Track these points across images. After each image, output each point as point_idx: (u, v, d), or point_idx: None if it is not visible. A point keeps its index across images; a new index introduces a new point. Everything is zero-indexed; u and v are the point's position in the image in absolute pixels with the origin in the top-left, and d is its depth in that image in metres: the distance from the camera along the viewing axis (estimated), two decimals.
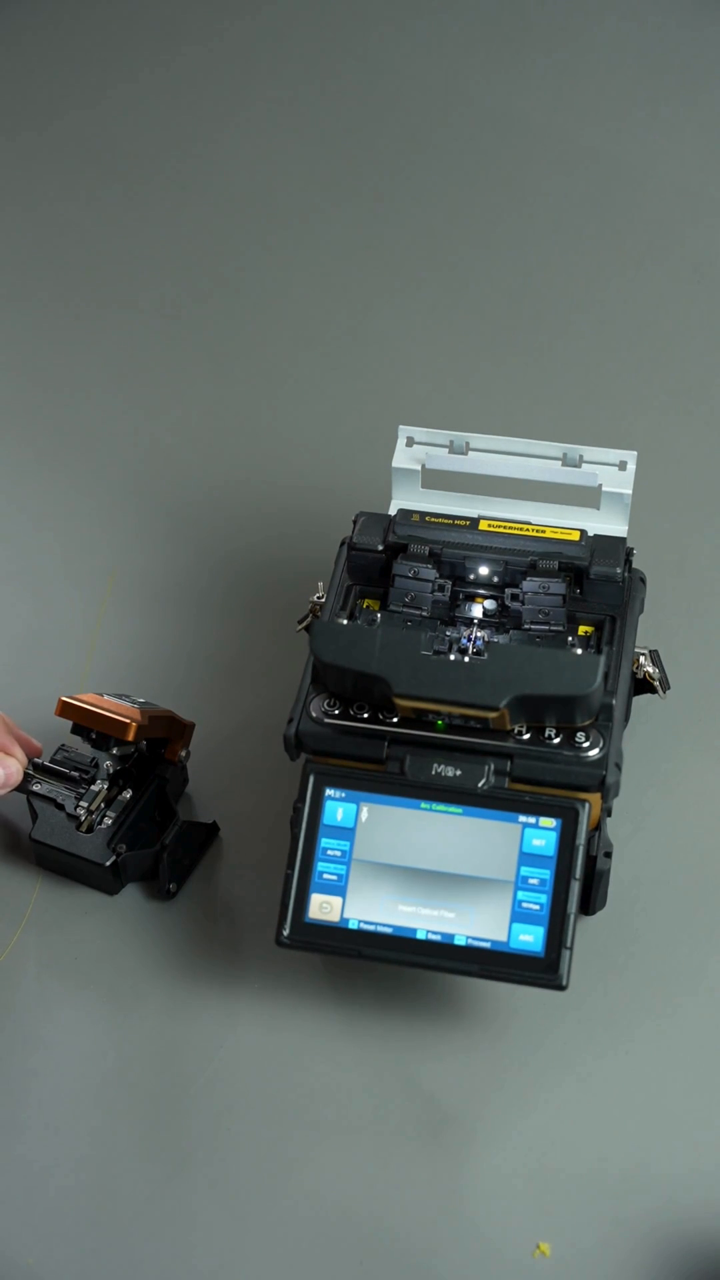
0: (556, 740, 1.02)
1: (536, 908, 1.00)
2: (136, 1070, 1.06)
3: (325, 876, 1.02)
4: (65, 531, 1.33)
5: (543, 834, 1.01)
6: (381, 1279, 0.99)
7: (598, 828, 1.04)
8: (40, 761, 1.13)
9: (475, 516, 1.10)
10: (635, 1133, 1.02)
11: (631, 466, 1.11)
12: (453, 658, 1.01)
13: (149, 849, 1.11)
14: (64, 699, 1.09)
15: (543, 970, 0.99)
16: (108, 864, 1.10)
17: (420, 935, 1.01)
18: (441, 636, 1.03)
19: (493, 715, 1.00)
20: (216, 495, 1.33)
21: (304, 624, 1.13)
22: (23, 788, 1.12)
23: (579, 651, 1.04)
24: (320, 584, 1.12)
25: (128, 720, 1.07)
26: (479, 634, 1.05)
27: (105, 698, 1.11)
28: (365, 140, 1.59)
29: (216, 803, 1.16)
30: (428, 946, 1.01)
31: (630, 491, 1.10)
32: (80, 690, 1.16)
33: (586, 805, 1.01)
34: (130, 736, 1.07)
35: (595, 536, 1.09)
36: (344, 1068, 1.05)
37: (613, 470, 1.11)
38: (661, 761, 1.16)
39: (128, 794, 1.13)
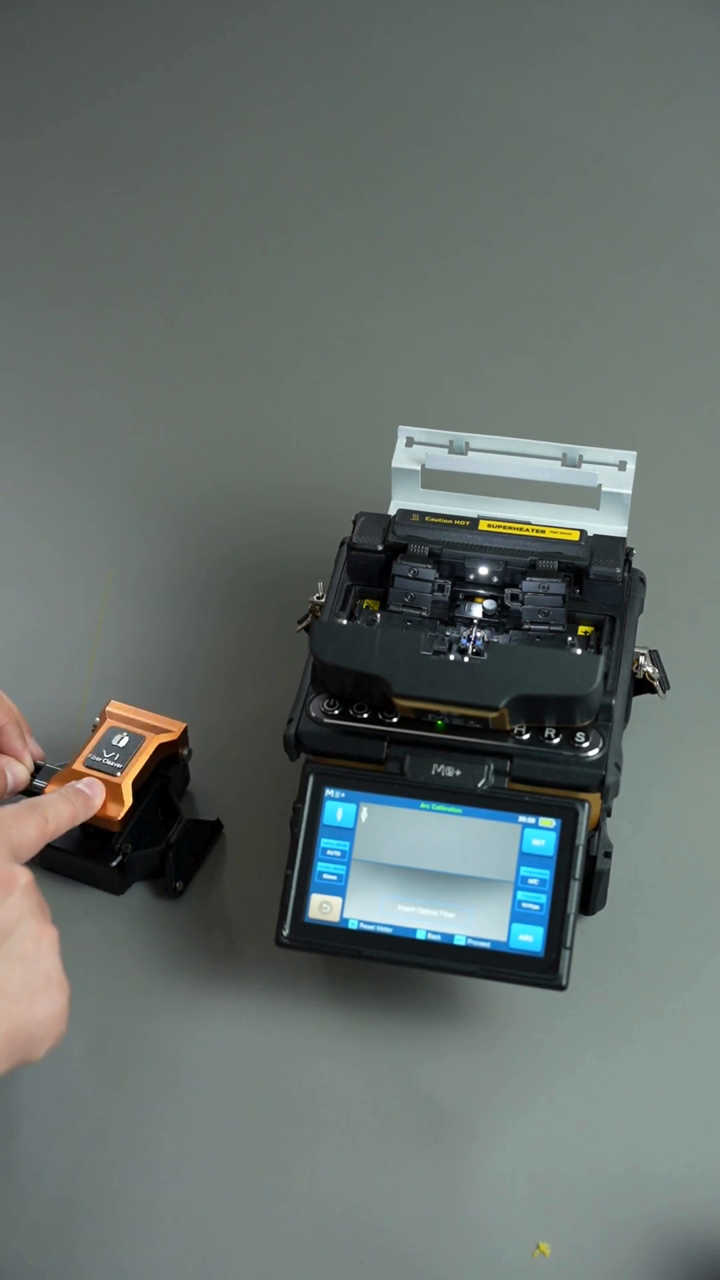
0: (556, 740, 1.02)
1: (536, 908, 1.00)
2: (137, 1069, 1.06)
3: (325, 876, 1.02)
4: (65, 531, 1.33)
5: (542, 834, 1.01)
6: (381, 1279, 0.99)
7: (598, 828, 1.04)
8: (43, 764, 1.13)
9: (475, 516, 1.10)
10: (635, 1133, 1.02)
11: (631, 466, 1.11)
12: (452, 658, 1.01)
13: (154, 848, 1.11)
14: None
15: (542, 970, 0.99)
16: (114, 864, 1.10)
17: (420, 935, 1.01)
18: (441, 636, 1.03)
19: (492, 715, 1.00)
20: (216, 495, 1.33)
21: (304, 624, 1.13)
22: (27, 790, 1.12)
23: (579, 651, 1.04)
24: (320, 584, 1.12)
25: (113, 812, 1.08)
26: (479, 634, 1.05)
27: (86, 767, 1.10)
28: (367, 140, 1.59)
29: (218, 802, 1.16)
30: (427, 946, 1.01)
31: (630, 491, 1.10)
32: (83, 693, 1.16)
33: (586, 805, 1.01)
34: (118, 827, 1.09)
35: (595, 536, 1.09)
36: (344, 1068, 1.05)
37: (612, 470, 1.11)
38: (661, 761, 1.16)
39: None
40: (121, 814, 1.09)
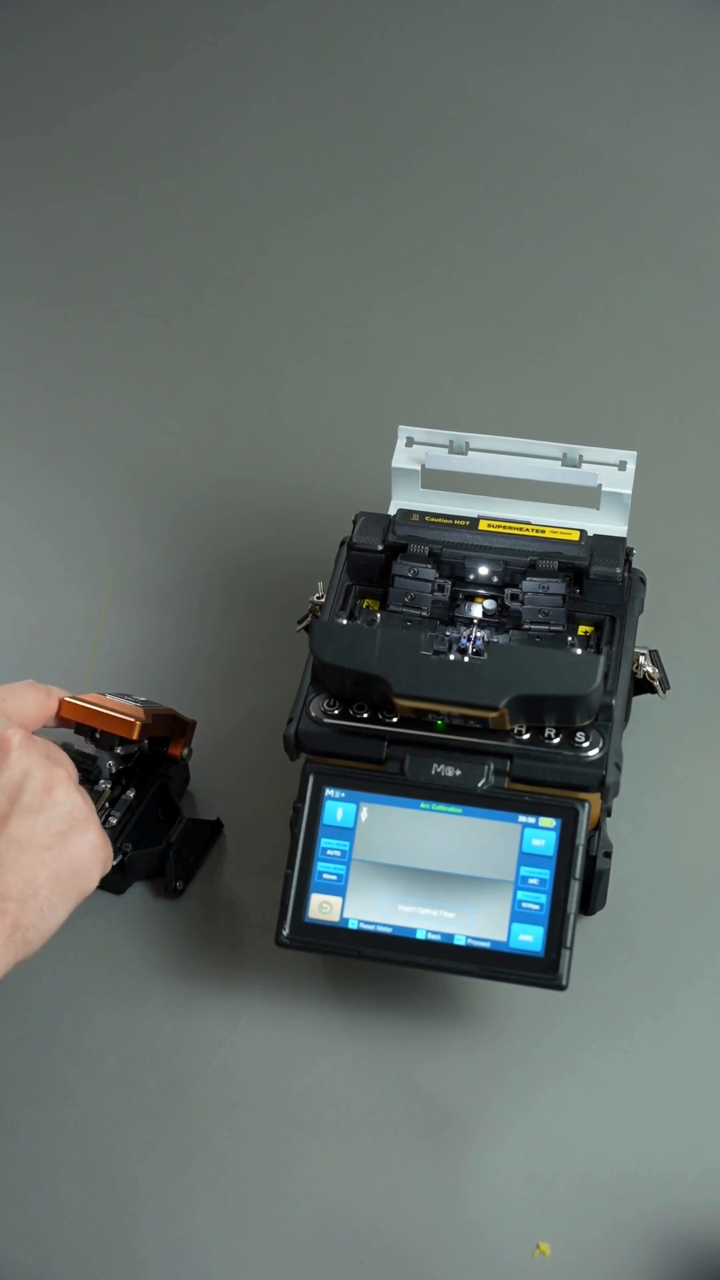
0: (556, 740, 1.02)
1: (536, 908, 1.00)
2: (137, 1069, 1.06)
3: (325, 876, 1.02)
4: (65, 531, 1.33)
5: (542, 834, 1.01)
6: (381, 1279, 0.99)
7: (597, 828, 1.04)
8: None
9: (475, 516, 1.10)
10: (635, 1133, 1.02)
11: (631, 466, 1.11)
12: (452, 658, 1.01)
13: (155, 847, 1.11)
14: (65, 699, 1.09)
15: (542, 970, 0.99)
16: (114, 864, 1.10)
17: (420, 935, 1.01)
18: (441, 636, 1.03)
19: (492, 715, 1.00)
20: (216, 495, 1.33)
21: (304, 624, 1.13)
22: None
23: (579, 651, 1.04)
24: (320, 584, 1.12)
25: (131, 719, 1.07)
26: (479, 634, 1.05)
27: (107, 697, 1.11)
28: (366, 140, 1.59)
29: (218, 802, 1.16)
30: (427, 946, 1.01)
31: (630, 491, 1.10)
32: (83, 691, 1.16)
33: (586, 805, 1.01)
34: (134, 735, 1.07)
35: (595, 536, 1.09)
36: (344, 1068, 1.05)
37: (612, 470, 1.11)
38: (661, 761, 1.16)
39: (131, 793, 1.13)
40: (137, 719, 1.07)
